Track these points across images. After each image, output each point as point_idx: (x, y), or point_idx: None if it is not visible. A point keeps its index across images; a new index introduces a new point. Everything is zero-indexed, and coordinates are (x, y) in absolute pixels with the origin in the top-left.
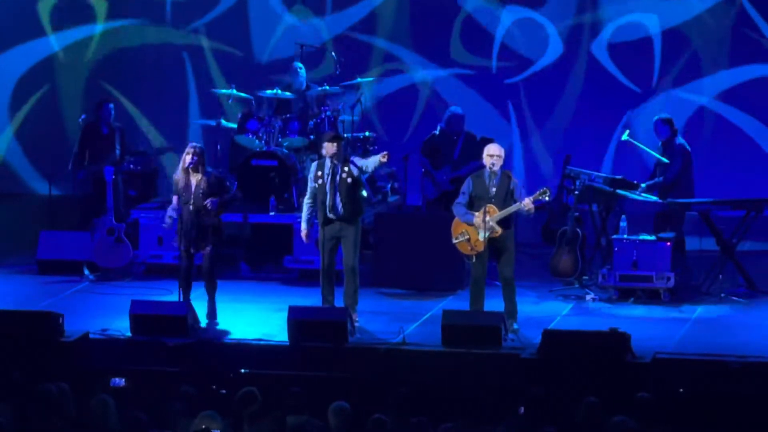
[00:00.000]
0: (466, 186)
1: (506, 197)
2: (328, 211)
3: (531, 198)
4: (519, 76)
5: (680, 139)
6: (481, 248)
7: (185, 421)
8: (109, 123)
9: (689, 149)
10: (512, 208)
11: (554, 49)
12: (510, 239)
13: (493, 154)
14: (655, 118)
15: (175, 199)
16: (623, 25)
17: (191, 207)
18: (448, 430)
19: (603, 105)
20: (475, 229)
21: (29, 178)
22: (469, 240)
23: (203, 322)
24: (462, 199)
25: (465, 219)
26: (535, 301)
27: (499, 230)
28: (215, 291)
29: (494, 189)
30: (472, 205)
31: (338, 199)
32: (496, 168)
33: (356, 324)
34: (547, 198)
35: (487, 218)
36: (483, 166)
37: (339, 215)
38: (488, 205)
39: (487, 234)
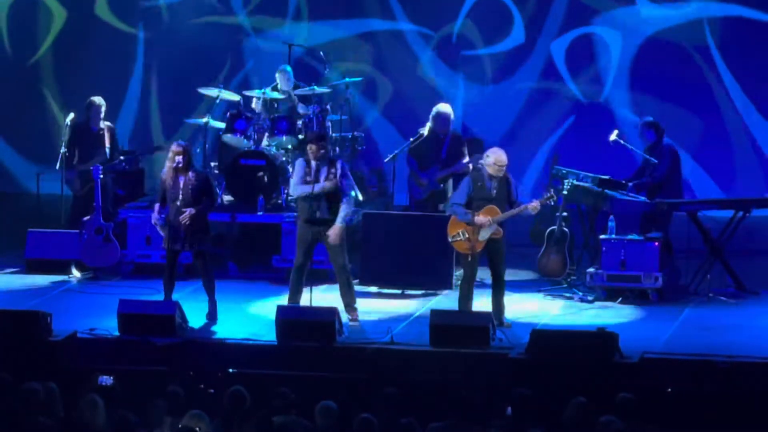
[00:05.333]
0: (466, 186)
1: (507, 198)
2: (311, 212)
3: (539, 201)
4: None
5: (667, 140)
6: (479, 248)
7: (173, 420)
8: (98, 122)
9: (677, 150)
10: (518, 210)
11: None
12: (504, 238)
13: (502, 165)
14: (640, 122)
15: (156, 206)
16: None
17: (179, 204)
18: (436, 429)
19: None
20: (475, 229)
21: (19, 177)
22: (468, 239)
23: (202, 321)
24: (460, 198)
25: (465, 219)
26: (523, 301)
27: (501, 231)
28: (214, 290)
29: (495, 191)
30: (471, 205)
31: (322, 201)
32: (500, 175)
33: (357, 323)
34: (552, 202)
35: (490, 219)
36: (469, 166)
37: (322, 216)
38: (491, 206)
39: (488, 235)
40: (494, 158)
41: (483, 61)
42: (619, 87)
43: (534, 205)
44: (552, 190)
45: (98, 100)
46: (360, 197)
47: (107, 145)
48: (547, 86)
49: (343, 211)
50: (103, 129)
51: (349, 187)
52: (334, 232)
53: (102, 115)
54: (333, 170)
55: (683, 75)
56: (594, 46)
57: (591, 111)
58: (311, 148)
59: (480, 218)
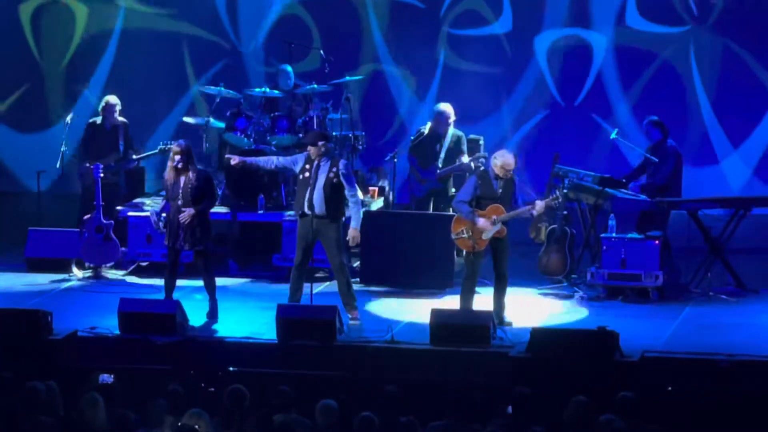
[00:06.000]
0: (472, 185)
1: (511, 198)
2: (306, 206)
3: (544, 202)
4: None
5: (671, 141)
6: (483, 247)
7: (173, 419)
8: (113, 120)
9: (680, 151)
10: (522, 211)
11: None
12: (507, 237)
13: (509, 168)
14: (645, 121)
15: (162, 204)
16: None
17: (180, 203)
18: (436, 428)
19: None
20: (479, 227)
21: (19, 176)
22: (471, 237)
23: (203, 319)
24: (465, 196)
25: (469, 218)
26: (523, 300)
27: (504, 230)
28: (215, 289)
29: (500, 190)
30: (476, 204)
31: (319, 197)
32: (507, 176)
33: (357, 322)
34: (557, 204)
35: (494, 217)
36: (471, 165)
37: (317, 213)
38: (495, 205)
39: (491, 234)
40: (502, 161)
41: (465, 42)
42: (597, 94)
43: (540, 206)
44: (558, 192)
45: (113, 99)
46: (361, 196)
47: (121, 142)
48: (525, 79)
49: (355, 213)
50: (117, 127)
51: (354, 185)
52: (354, 236)
53: (116, 113)
54: (335, 169)
55: (663, 92)
56: (579, 49)
57: (565, 111)
58: (311, 150)
59: (482, 221)
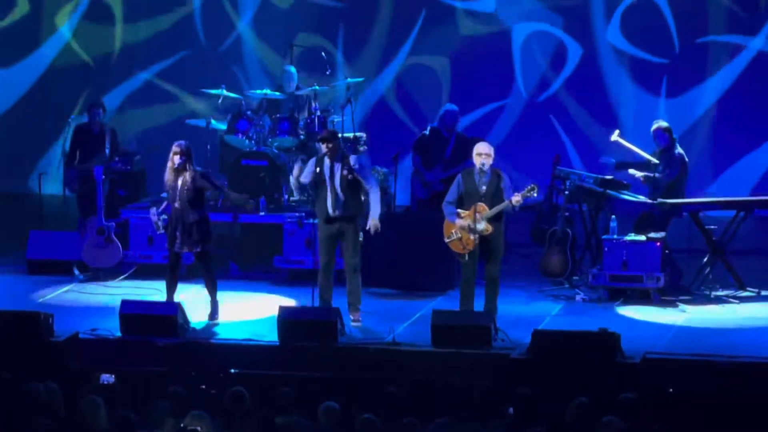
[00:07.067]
0: (456, 184)
1: (496, 195)
2: (330, 209)
3: (520, 194)
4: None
5: (679, 149)
6: (472, 246)
7: (174, 420)
8: (100, 124)
9: (687, 160)
10: (501, 207)
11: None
12: (500, 238)
13: (481, 153)
14: (654, 126)
15: (164, 204)
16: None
17: (177, 205)
18: (440, 426)
19: None
20: (465, 227)
21: (21, 177)
22: (461, 239)
23: (204, 321)
24: (451, 197)
25: (450, 219)
26: (524, 301)
27: (489, 228)
28: (215, 290)
29: (484, 187)
30: (462, 203)
31: (339, 197)
32: (486, 167)
33: (359, 324)
34: (534, 194)
35: (477, 216)
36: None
37: (341, 213)
38: (478, 203)
39: (478, 232)
40: (475, 149)
41: (449, 11)
42: (562, 95)
43: (516, 199)
44: (533, 183)
45: (97, 104)
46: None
47: (107, 146)
48: (496, 62)
49: (375, 202)
50: (103, 131)
51: (369, 177)
52: (374, 225)
53: (101, 117)
54: (347, 166)
55: (628, 112)
56: (554, 47)
57: (525, 105)
58: (322, 147)
59: (460, 221)
